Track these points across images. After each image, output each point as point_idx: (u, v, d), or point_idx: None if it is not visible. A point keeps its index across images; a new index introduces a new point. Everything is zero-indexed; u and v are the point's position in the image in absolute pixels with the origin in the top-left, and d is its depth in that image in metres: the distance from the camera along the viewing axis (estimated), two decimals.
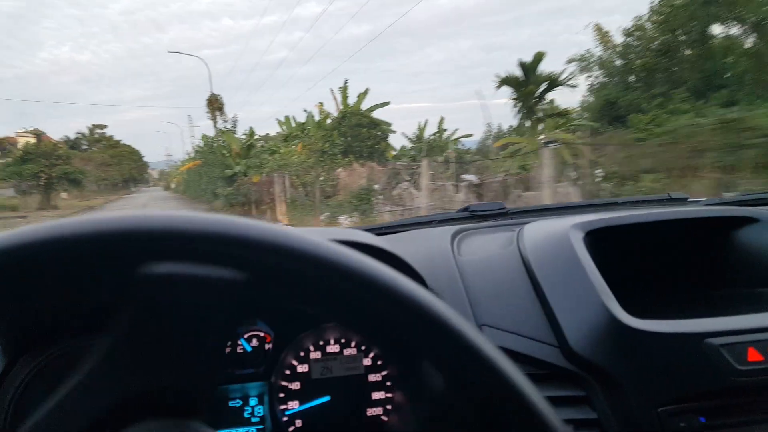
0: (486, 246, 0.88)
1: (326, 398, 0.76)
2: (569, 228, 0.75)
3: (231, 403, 0.75)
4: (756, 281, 0.81)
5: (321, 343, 0.78)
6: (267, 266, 0.30)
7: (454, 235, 0.90)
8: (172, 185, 41.48)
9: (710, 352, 0.60)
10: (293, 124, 19.22)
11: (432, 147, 17.71)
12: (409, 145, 19.17)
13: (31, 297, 0.30)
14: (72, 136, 53.81)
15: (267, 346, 0.78)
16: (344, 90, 17.01)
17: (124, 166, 50.26)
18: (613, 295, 0.66)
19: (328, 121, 16.92)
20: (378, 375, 0.78)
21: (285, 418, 0.75)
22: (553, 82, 14.43)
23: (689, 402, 0.61)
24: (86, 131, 54.31)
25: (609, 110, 15.82)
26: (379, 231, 1.04)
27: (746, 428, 0.62)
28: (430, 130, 19.17)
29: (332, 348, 0.78)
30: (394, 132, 17.22)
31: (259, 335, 0.78)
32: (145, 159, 62.45)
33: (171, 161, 58.82)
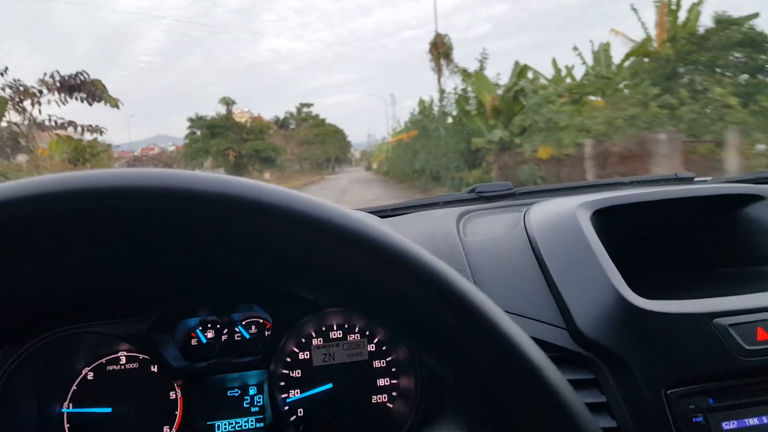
0: (492, 227, 0.85)
1: (329, 386, 0.75)
2: (576, 207, 0.74)
3: (230, 393, 0.73)
4: (763, 259, 0.80)
5: (323, 329, 0.76)
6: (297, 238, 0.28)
7: (459, 217, 0.89)
8: (374, 165, 37.46)
9: (719, 333, 0.59)
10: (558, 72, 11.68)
11: None
12: None
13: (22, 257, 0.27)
14: (282, 117, 54.13)
15: (266, 333, 0.75)
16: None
17: (328, 146, 49.11)
18: (620, 275, 0.65)
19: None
20: (382, 361, 0.76)
21: (286, 407, 0.74)
22: None
23: (698, 383, 0.59)
24: (294, 111, 54.20)
25: None
26: (384, 213, 1.03)
27: (755, 408, 0.60)
28: None
29: (335, 334, 0.76)
30: None
31: (257, 321, 0.76)
32: (348, 139, 61.44)
33: (374, 141, 56.49)
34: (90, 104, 11.33)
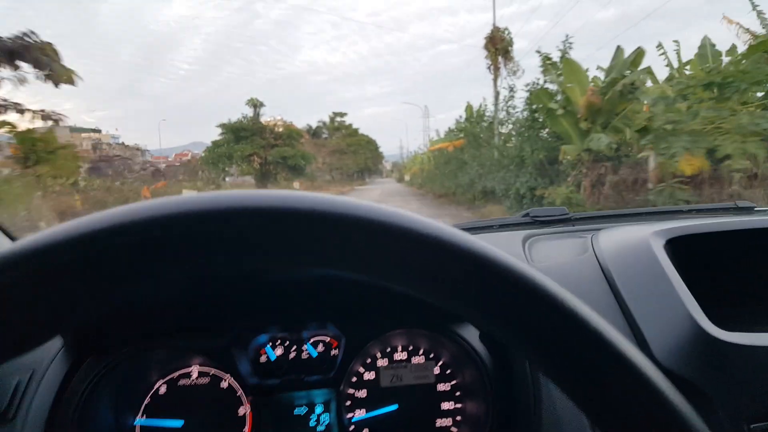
0: (558, 253, 0.84)
1: (394, 407, 0.75)
2: (650, 235, 0.73)
3: (296, 411, 0.74)
4: None
5: (388, 350, 0.77)
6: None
7: (523, 241, 0.88)
8: (407, 177, 35.23)
9: None
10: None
11: None
12: None
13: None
14: (314, 125, 52.49)
15: (333, 352, 0.76)
16: None
17: (359, 155, 47.61)
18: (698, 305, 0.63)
19: None
20: (447, 384, 0.76)
21: (352, 427, 0.74)
22: None
23: None
24: (327, 120, 52.53)
25: None
26: None
27: None
28: None
29: (399, 355, 0.77)
30: None
31: (324, 340, 0.77)
32: (380, 150, 59.46)
33: (406, 153, 54.44)
34: (41, 77, 8.16)
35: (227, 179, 24.49)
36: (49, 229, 0.24)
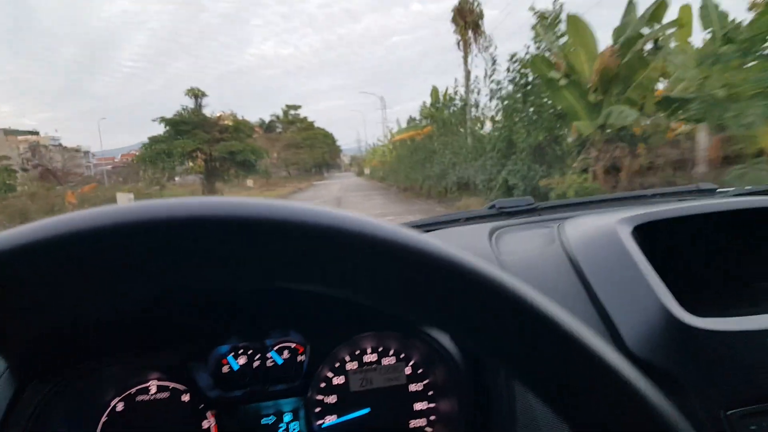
0: (524, 244, 0.84)
1: (366, 410, 0.73)
2: (616, 223, 0.73)
3: (263, 420, 0.71)
4: None
5: (356, 352, 0.75)
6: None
7: (490, 234, 0.87)
8: (367, 171, 33.58)
9: None
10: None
11: None
12: None
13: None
14: (267, 120, 50.05)
15: (299, 358, 0.73)
16: None
17: (316, 150, 45.31)
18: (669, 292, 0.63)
19: None
20: (419, 384, 0.75)
21: None
22: None
23: (759, 403, 0.57)
24: (280, 113, 50.02)
25: None
26: None
27: None
28: None
29: (369, 357, 0.75)
30: None
31: (290, 347, 0.74)
32: (338, 143, 57.54)
33: (364, 146, 52.37)
34: None
35: (176, 179, 22.37)
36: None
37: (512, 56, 8.25)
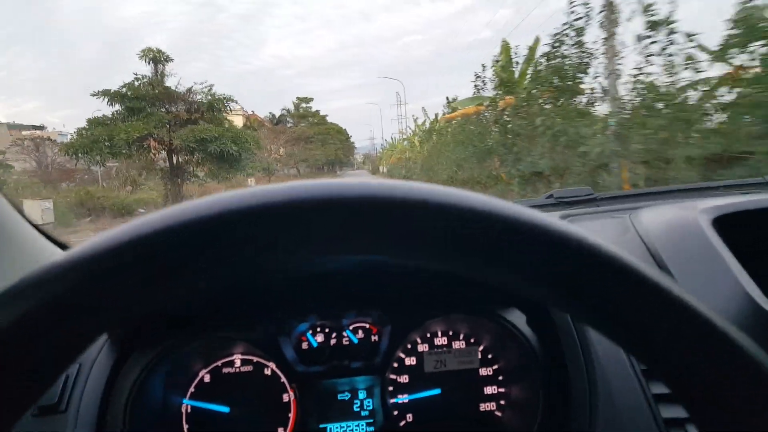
0: (598, 233, 0.71)
1: (437, 390, 0.75)
2: (698, 213, 0.73)
3: (340, 396, 0.74)
4: None
5: (428, 335, 0.77)
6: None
7: None
8: (382, 168, 31.22)
9: None
10: None
11: None
12: None
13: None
14: (278, 114, 47.41)
15: (373, 338, 0.76)
16: None
17: (329, 146, 39.84)
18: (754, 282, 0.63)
19: None
20: (489, 369, 0.76)
21: (395, 411, 0.74)
22: None
23: None
24: (291, 108, 46.00)
25: None
26: None
27: None
28: None
29: (440, 340, 0.77)
30: None
31: (364, 327, 0.76)
32: (351, 139, 55.33)
33: (378, 144, 49.45)
34: None
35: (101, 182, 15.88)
36: (101, 235, 0.24)
37: None
